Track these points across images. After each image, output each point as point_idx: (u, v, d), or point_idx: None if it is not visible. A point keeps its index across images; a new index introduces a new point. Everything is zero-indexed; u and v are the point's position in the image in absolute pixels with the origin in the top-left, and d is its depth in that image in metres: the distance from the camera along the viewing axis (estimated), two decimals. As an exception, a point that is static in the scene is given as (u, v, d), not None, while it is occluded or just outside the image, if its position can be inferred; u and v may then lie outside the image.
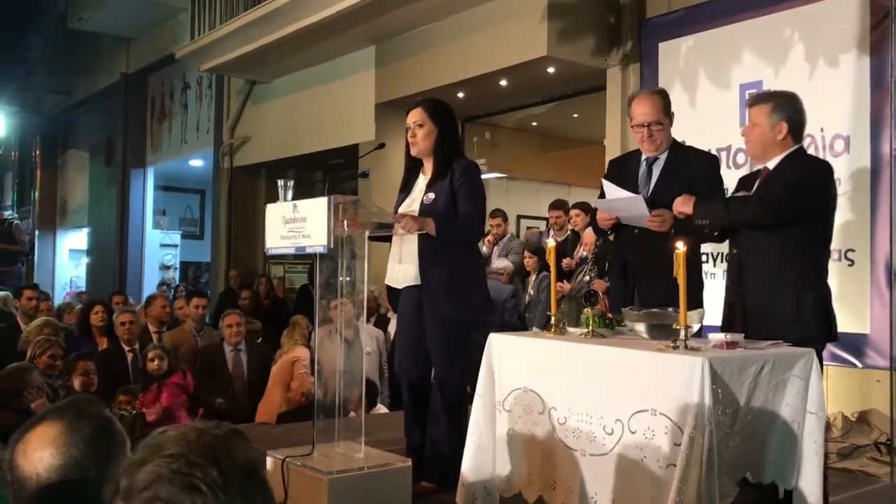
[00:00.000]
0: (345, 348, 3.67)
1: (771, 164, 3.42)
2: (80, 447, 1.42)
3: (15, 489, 1.39)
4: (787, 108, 3.39)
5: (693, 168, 3.68)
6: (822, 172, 3.39)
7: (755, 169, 3.71)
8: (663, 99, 3.76)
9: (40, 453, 1.39)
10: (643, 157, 3.79)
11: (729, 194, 3.80)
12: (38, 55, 17.46)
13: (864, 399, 5.21)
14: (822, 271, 3.37)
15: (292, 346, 6.27)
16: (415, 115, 3.83)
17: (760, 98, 3.48)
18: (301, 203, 3.47)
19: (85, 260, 16.20)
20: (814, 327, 3.23)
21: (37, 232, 16.96)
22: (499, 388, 3.09)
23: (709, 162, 3.80)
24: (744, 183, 3.63)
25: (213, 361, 6.41)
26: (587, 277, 6.24)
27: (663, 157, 3.74)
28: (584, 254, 6.53)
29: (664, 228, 3.57)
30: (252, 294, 9.45)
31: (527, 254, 7.03)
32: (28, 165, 18.18)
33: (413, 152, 3.87)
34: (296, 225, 3.47)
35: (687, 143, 4.19)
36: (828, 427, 4.77)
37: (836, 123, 5.20)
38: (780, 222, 3.27)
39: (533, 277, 6.95)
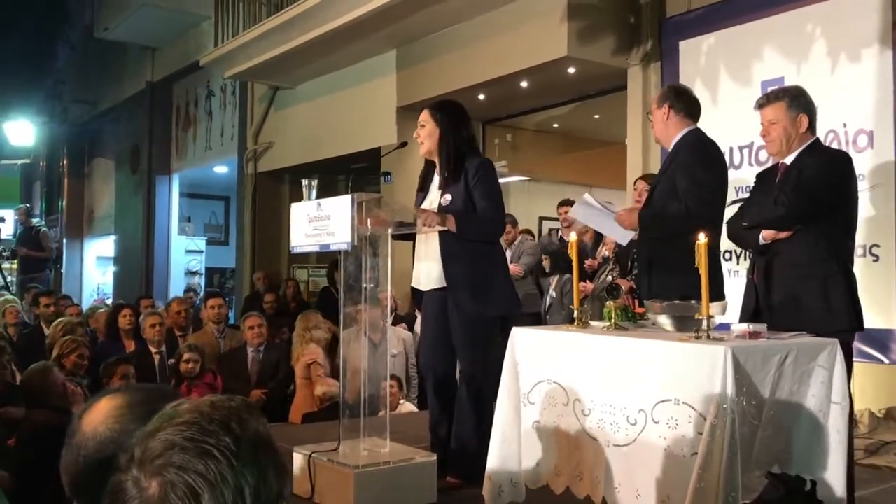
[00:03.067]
0: (370, 349, 3.71)
1: (789, 159, 3.42)
2: (142, 422, 1.46)
3: (74, 450, 1.44)
4: (803, 100, 3.41)
5: (680, 158, 3.65)
6: (841, 164, 3.39)
7: (771, 164, 3.70)
8: (661, 91, 3.81)
9: (103, 417, 1.43)
10: None
11: (747, 190, 3.81)
12: (65, 66, 17.72)
13: (891, 395, 5.16)
14: (848, 262, 3.36)
15: (305, 346, 6.29)
16: (420, 117, 3.93)
17: (774, 96, 3.46)
18: (325, 201, 3.52)
19: (112, 268, 16.38)
20: (844, 319, 3.23)
21: (64, 240, 17.16)
22: (523, 381, 3.11)
23: (690, 152, 3.63)
24: (761, 179, 3.63)
25: (234, 362, 6.51)
26: (609, 277, 6.23)
27: (671, 150, 3.76)
28: (606, 253, 6.52)
29: (626, 226, 3.71)
30: (276, 298, 9.52)
31: (543, 256, 7.02)
32: (55, 174, 18.41)
33: (421, 152, 3.97)
34: (320, 223, 3.52)
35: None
36: (855, 423, 4.74)
37: (859, 118, 5.18)
38: (804, 220, 3.27)
39: (555, 279, 6.90)
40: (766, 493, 3.24)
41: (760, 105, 3.49)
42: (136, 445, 1.07)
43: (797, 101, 3.39)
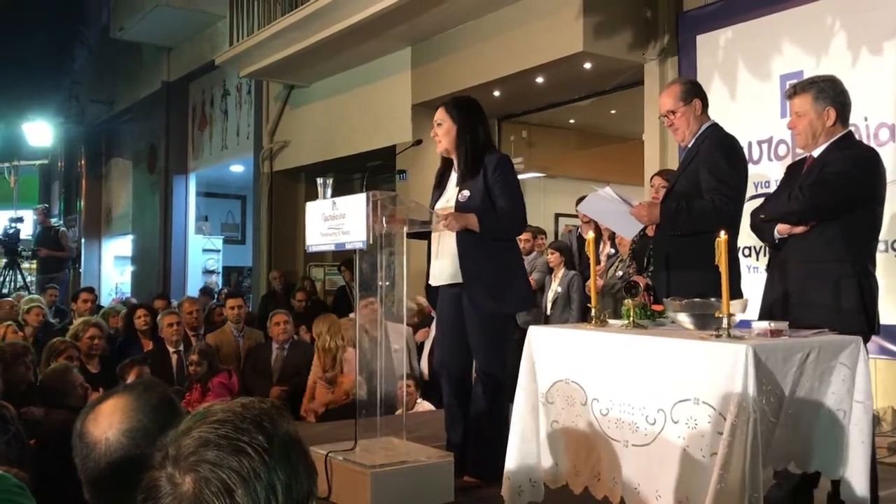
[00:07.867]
0: (385, 348, 3.69)
1: (816, 152, 3.35)
2: (147, 413, 1.50)
3: (83, 454, 1.46)
4: (831, 92, 3.30)
5: (703, 154, 3.57)
6: (866, 161, 3.28)
7: (801, 157, 3.62)
8: (681, 86, 3.70)
9: (109, 420, 1.46)
10: None
11: (774, 183, 3.74)
12: (82, 66, 17.83)
13: (914, 393, 5.09)
14: (868, 263, 3.26)
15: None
16: (436, 115, 3.89)
17: (802, 87, 3.36)
18: (340, 200, 3.51)
19: (130, 267, 16.48)
20: (853, 322, 3.11)
21: (83, 240, 17.28)
22: (540, 380, 3.08)
23: (716, 148, 3.55)
24: (790, 171, 3.57)
25: (258, 358, 6.55)
26: (619, 272, 6.20)
27: (691, 145, 3.70)
28: (612, 251, 6.49)
29: (644, 220, 3.66)
30: (307, 295, 9.56)
31: (550, 250, 6.97)
32: (73, 175, 18.53)
33: (438, 150, 3.93)
34: (335, 222, 3.51)
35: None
36: (877, 421, 4.69)
37: (880, 112, 5.11)
38: (820, 216, 3.21)
39: (560, 273, 6.86)
40: (772, 491, 3.18)
41: (789, 96, 3.40)
42: (169, 444, 1.09)
43: (825, 92, 3.28)
